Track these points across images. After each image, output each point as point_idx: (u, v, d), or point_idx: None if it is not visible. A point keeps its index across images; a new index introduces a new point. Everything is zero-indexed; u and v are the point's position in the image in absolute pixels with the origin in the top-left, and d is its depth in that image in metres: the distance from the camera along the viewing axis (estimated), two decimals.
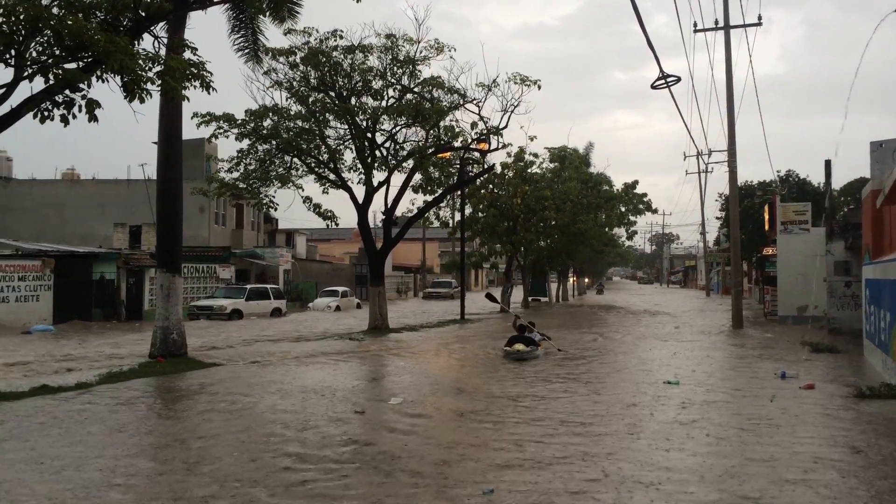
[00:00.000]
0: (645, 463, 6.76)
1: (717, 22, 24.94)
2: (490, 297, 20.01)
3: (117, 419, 8.92)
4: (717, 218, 50.37)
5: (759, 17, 25.75)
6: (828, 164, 24.88)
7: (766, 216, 30.31)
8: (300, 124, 21.30)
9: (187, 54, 10.96)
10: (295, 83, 21.60)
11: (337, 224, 23.36)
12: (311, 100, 21.70)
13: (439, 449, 7.43)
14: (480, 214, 34.62)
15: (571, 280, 61.48)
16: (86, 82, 9.10)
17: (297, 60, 21.08)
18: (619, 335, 21.38)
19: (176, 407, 10.13)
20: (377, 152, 22.78)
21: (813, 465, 6.69)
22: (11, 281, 24.51)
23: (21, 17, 8.57)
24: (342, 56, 21.27)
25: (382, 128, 22.53)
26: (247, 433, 8.07)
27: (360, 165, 22.69)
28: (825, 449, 7.28)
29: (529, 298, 41.60)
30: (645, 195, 40.06)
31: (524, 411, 9.42)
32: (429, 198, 24.80)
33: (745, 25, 25.52)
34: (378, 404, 9.96)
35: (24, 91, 9.26)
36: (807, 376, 12.19)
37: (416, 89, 21.98)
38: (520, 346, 15.28)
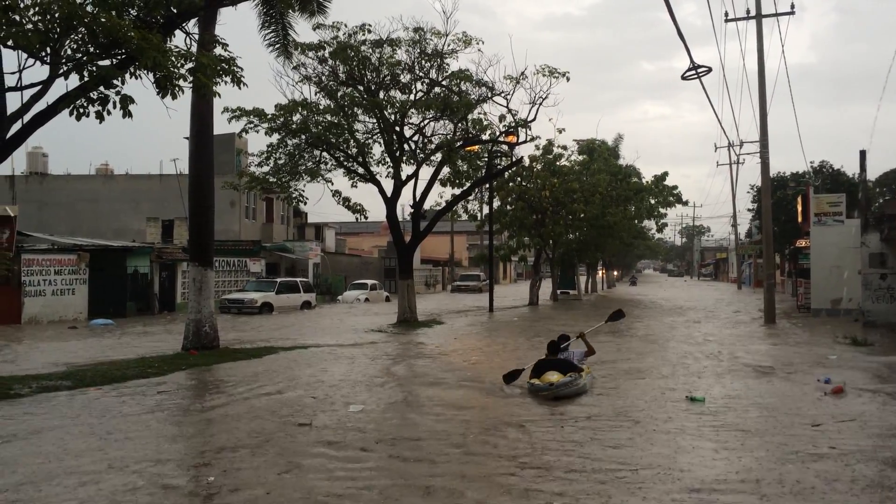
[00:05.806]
0: None
1: (748, 11, 24.62)
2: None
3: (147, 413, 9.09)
4: (749, 210, 49.73)
5: (792, 6, 25.28)
6: (863, 154, 24.40)
7: (800, 208, 29.89)
8: (329, 118, 21.48)
9: (218, 50, 11.08)
10: (324, 78, 21.73)
11: (366, 217, 23.56)
12: (339, 94, 21.81)
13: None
14: (509, 207, 34.52)
15: (600, 273, 61.18)
16: (119, 79, 9.23)
17: (326, 55, 21.19)
18: (643, 332, 20.87)
19: (204, 404, 10.27)
20: (405, 146, 22.84)
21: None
22: (48, 275, 24.97)
23: (56, 15, 8.72)
24: (370, 50, 21.34)
25: (411, 121, 22.62)
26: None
27: (388, 159, 22.76)
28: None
29: (558, 291, 41.45)
30: (675, 187, 39.88)
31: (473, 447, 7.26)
32: (457, 191, 24.82)
33: (777, 14, 25.13)
34: (340, 411, 8.94)
35: (59, 88, 9.43)
36: (839, 375, 12.00)
37: (444, 82, 21.97)
38: (553, 377, 10.32)
